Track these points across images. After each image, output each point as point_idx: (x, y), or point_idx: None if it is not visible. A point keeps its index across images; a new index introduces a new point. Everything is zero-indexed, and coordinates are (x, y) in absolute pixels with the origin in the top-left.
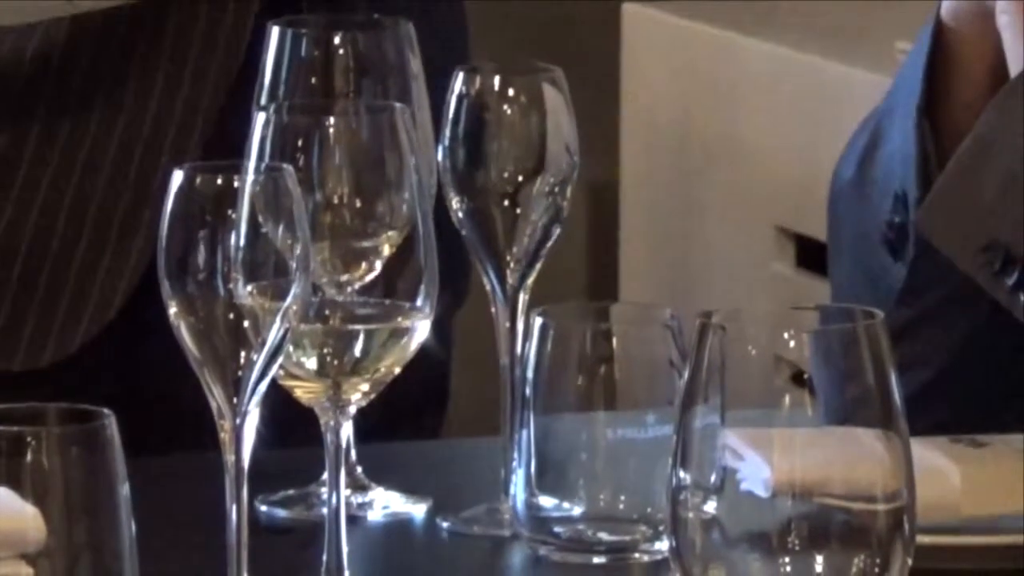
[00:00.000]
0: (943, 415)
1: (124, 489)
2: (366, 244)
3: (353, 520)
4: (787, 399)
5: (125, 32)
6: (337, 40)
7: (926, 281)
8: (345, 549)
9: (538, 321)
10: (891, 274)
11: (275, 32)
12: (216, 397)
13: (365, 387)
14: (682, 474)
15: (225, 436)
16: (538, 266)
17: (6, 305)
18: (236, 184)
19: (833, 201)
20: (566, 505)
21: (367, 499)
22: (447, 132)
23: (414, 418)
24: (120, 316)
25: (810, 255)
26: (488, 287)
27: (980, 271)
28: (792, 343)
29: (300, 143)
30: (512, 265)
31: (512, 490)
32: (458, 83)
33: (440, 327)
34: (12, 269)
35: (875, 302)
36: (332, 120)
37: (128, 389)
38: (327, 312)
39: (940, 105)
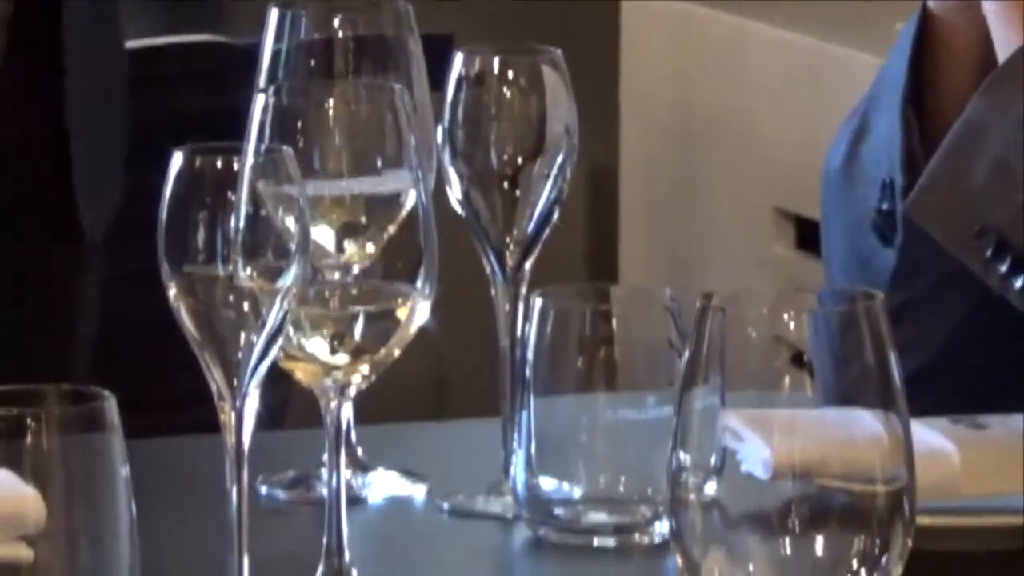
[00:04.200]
0: (940, 397)
1: (124, 470)
2: (366, 225)
3: (353, 501)
4: (787, 380)
5: None
6: (336, 22)
7: (917, 266)
8: (345, 530)
9: (538, 303)
10: (881, 260)
11: (274, 14)
12: (216, 379)
13: (365, 369)
14: (682, 455)
15: (225, 418)
16: (538, 248)
17: None
18: (236, 166)
19: (824, 187)
20: (566, 487)
21: (367, 480)
22: (446, 114)
23: None
24: None
25: (810, 236)
26: (488, 269)
27: (972, 257)
28: (792, 324)
29: (299, 125)
30: (512, 247)
31: (512, 471)
32: (457, 65)
33: None
34: None
35: (867, 287)
36: (331, 101)
37: None
38: (327, 294)
39: (926, 91)
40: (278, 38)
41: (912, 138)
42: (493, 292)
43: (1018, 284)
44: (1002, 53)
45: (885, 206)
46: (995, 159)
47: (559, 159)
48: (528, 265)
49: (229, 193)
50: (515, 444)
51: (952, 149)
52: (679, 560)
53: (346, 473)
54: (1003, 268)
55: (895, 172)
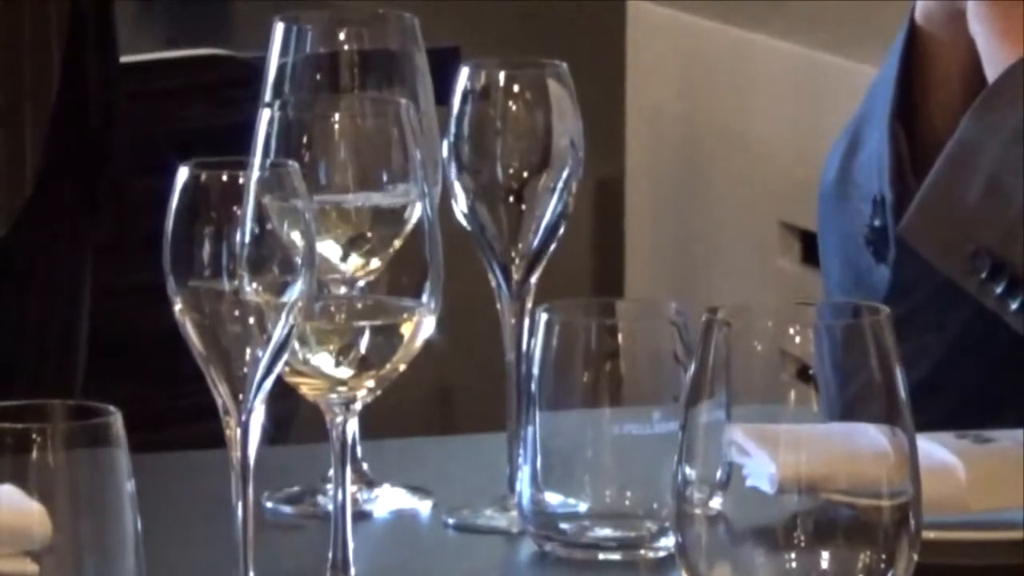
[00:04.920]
0: (942, 411)
1: (130, 486)
2: (371, 240)
3: (359, 516)
4: (792, 394)
5: None
6: (342, 35)
7: (912, 281)
8: (351, 545)
9: (544, 317)
10: (876, 276)
11: (280, 27)
12: (221, 394)
13: (371, 384)
14: (688, 470)
15: (231, 432)
16: (543, 262)
17: None
18: (241, 180)
19: (820, 203)
20: (572, 501)
21: (373, 495)
22: (452, 128)
23: None
24: None
25: (815, 250)
26: (493, 283)
27: (968, 279)
28: (797, 338)
29: (305, 139)
30: (517, 261)
31: (518, 486)
32: (463, 79)
33: None
34: None
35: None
36: (337, 116)
37: None
38: (332, 309)
39: (915, 106)
40: (284, 52)
41: (900, 153)
42: (499, 306)
43: (1014, 305)
44: (991, 72)
45: (877, 222)
46: (987, 178)
47: (565, 173)
48: (534, 279)
49: (235, 207)
50: (521, 459)
51: (944, 170)
52: (685, 575)
53: (351, 488)
54: (999, 289)
55: (885, 188)
